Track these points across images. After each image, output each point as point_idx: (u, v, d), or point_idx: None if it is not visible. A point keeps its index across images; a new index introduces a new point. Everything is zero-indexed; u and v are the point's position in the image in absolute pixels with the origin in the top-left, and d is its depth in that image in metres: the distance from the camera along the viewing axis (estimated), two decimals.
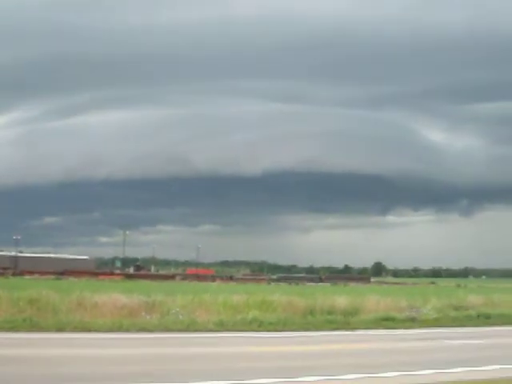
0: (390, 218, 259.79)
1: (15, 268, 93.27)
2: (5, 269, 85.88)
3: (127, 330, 19.63)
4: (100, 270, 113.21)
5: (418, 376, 12.58)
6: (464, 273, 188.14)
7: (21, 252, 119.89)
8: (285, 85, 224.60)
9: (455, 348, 18.53)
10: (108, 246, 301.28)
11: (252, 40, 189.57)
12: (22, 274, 79.70)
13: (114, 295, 24.16)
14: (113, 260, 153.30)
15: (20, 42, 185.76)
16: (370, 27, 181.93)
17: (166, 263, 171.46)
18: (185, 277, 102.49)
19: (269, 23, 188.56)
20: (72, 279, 70.61)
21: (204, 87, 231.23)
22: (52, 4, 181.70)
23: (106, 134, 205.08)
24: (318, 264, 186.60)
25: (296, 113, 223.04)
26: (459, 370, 13.50)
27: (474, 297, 33.34)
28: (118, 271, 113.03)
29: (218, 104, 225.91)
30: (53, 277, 74.59)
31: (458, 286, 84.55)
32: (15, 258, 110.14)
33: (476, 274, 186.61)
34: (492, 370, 13.71)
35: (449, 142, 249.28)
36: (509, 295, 37.66)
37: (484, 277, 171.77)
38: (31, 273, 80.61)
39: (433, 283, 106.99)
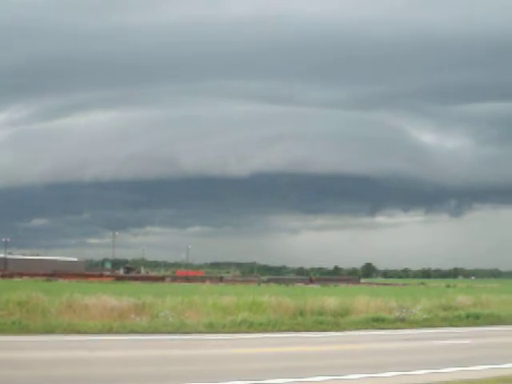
0: (380, 219, 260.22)
1: (4, 270, 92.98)
2: None
3: (117, 332, 19.59)
4: (90, 271, 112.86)
5: (413, 376, 12.61)
6: (453, 273, 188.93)
7: (10, 254, 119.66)
8: (273, 86, 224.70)
9: (446, 348, 18.57)
10: (97, 247, 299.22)
11: (241, 41, 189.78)
12: (11, 276, 79.44)
13: (103, 297, 24.09)
14: (102, 261, 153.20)
15: (6, 43, 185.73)
16: (358, 28, 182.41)
17: (156, 265, 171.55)
18: (174, 278, 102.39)
19: (258, 24, 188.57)
20: (61, 281, 70.50)
21: (192, 88, 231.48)
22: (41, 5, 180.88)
23: (94, 136, 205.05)
24: (307, 265, 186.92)
25: (285, 114, 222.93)
26: (452, 369, 13.56)
27: (463, 297, 33.40)
28: (107, 273, 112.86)
29: (206, 105, 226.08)
30: (42, 279, 74.44)
31: (448, 286, 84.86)
32: (4, 259, 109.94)
33: (465, 274, 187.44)
34: (482, 369, 13.77)
35: (437, 142, 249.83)
36: (497, 295, 37.79)
37: (473, 277, 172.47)
38: (20, 275, 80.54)
39: (422, 284, 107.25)
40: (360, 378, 12.16)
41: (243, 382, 11.44)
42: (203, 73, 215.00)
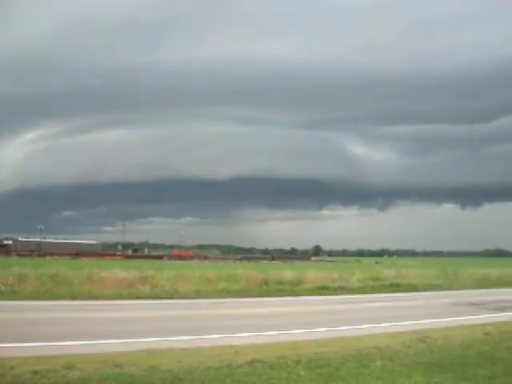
0: (326, 212, 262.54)
1: (39, 251, 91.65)
2: (31, 251, 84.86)
3: (126, 298, 19.44)
4: (105, 252, 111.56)
5: (338, 331, 12.66)
6: (381, 253, 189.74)
7: (44, 238, 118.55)
8: (247, 112, 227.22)
9: (373, 309, 18.70)
10: (111, 233, 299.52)
11: (222, 77, 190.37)
12: (44, 255, 78.21)
13: (115, 271, 23.93)
14: (115, 244, 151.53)
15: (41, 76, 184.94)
16: (314, 66, 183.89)
17: (156, 246, 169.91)
18: (170, 257, 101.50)
19: (232, 63, 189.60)
20: (83, 259, 69.56)
21: (185, 112, 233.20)
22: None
23: (108, 148, 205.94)
24: (271, 247, 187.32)
25: (256, 132, 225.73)
26: (384, 324, 13.66)
27: (388, 271, 33.65)
28: (119, 253, 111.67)
29: (194, 125, 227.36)
30: (68, 258, 73.49)
31: (376, 262, 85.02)
32: (39, 243, 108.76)
33: (390, 253, 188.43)
34: (407, 324, 13.93)
35: (369, 154, 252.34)
36: (413, 269, 38.13)
37: (395, 256, 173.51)
38: (52, 254, 79.39)
39: (358, 261, 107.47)
40: (302, 333, 12.16)
41: (222, 335, 11.42)
42: (193, 101, 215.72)
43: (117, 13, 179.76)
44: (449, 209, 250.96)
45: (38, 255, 79.12)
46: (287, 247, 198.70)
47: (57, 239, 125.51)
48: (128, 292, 20.53)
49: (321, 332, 12.31)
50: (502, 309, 18.52)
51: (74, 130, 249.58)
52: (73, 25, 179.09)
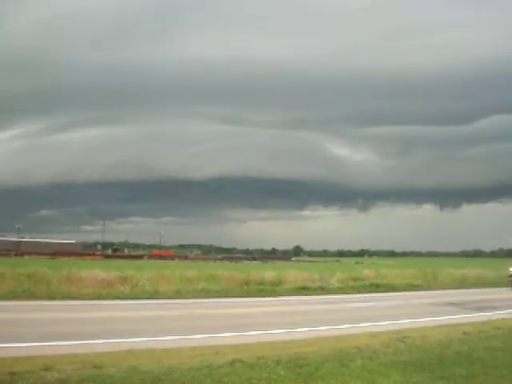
0: (306, 213, 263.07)
1: (17, 250, 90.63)
2: (9, 251, 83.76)
3: (105, 298, 19.31)
4: (84, 251, 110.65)
5: (317, 331, 12.71)
6: (361, 253, 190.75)
7: (22, 237, 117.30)
8: (225, 111, 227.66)
9: (353, 309, 18.81)
10: (91, 233, 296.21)
11: (201, 75, 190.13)
12: (22, 254, 77.42)
13: (95, 271, 23.81)
14: (95, 244, 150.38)
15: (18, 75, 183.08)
16: (297, 67, 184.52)
17: (136, 246, 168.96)
18: (150, 257, 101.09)
19: (215, 62, 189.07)
20: (62, 259, 68.98)
21: (167, 111, 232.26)
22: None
23: (86, 147, 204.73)
24: (252, 247, 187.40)
25: (235, 132, 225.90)
26: (364, 324, 13.73)
27: (367, 271, 33.92)
28: (98, 253, 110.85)
29: (174, 124, 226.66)
30: (47, 257, 72.81)
31: (356, 263, 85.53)
32: (17, 242, 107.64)
33: (370, 254, 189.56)
34: (386, 324, 14.04)
35: (350, 155, 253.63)
36: (393, 270, 38.45)
37: (375, 256, 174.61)
38: (30, 254, 78.62)
39: (338, 261, 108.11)
40: (282, 333, 12.18)
41: (202, 335, 11.40)
42: (172, 100, 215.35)
43: (99, 8, 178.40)
44: (428, 210, 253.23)
45: (16, 254, 78.33)
46: (268, 247, 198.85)
47: (35, 238, 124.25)
48: (107, 292, 20.40)
49: (301, 332, 12.35)
50: (481, 309, 18.74)
51: (53, 128, 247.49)
52: (49, 20, 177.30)
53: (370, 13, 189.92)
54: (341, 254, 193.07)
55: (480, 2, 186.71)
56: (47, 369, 7.31)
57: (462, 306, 19.77)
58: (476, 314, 16.91)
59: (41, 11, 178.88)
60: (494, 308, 18.74)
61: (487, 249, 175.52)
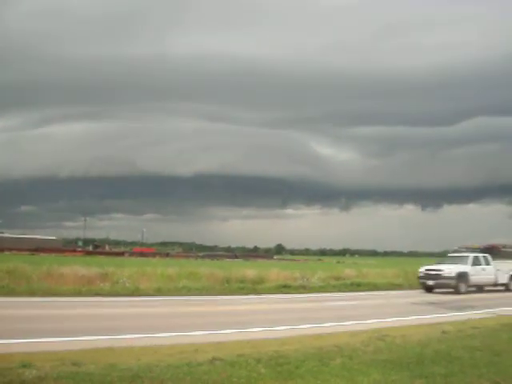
0: (289, 211, 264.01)
1: None
2: None
3: (85, 295, 19.20)
4: (65, 248, 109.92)
5: (300, 329, 12.73)
6: (343, 252, 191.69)
7: (1, 233, 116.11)
8: (210, 108, 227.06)
9: (334, 307, 18.90)
10: (72, 229, 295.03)
11: (188, 73, 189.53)
12: (2, 250, 76.60)
13: (75, 267, 23.64)
14: (75, 240, 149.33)
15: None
16: (281, 64, 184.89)
17: (118, 243, 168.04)
18: (132, 254, 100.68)
19: (201, 60, 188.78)
20: (43, 255, 68.43)
21: (151, 107, 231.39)
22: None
23: (69, 141, 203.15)
24: (234, 245, 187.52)
25: (219, 129, 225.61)
26: (344, 323, 13.78)
27: (349, 270, 34.06)
28: (79, 249, 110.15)
29: (160, 120, 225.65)
30: (27, 253, 72.19)
31: (338, 262, 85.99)
32: None
33: (351, 253, 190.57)
34: (367, 322, 14.06)
35: (333, 155, 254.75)
36: (374, 269, 38.70)
37: (357, 255, 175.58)
38: (10, 249, 77.91)
39: (319, 260, 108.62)
40: (263, 331, 12.20)
41: (182, 333, 11.37)
42: (156, 96, 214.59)
43: (82, 3, 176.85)
44: (410, 210, 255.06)
45: None
46: (250, 245, 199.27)
47: (15, 234, 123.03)
48: (88, 289, 20.29)
49: (282, 330, 12.36)
50: (460, 308, 18.95)
51: (34, 122, 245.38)
52: (32, 13, 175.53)
53: (357, 10, 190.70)
54: (323, 252, 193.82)
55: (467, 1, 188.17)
56: (25, 366, 7.23)
57: (442, 306, 19.96)
58: (456, 313, 17.07)
59: (25, 6, 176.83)
60: (473, 307, 18.94)
61: None
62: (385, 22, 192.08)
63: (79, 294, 19.34)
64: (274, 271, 29.46)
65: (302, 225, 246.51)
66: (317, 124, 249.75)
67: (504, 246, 30.35)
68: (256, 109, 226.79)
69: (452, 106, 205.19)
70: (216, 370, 7.56)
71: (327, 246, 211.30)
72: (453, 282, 25.96)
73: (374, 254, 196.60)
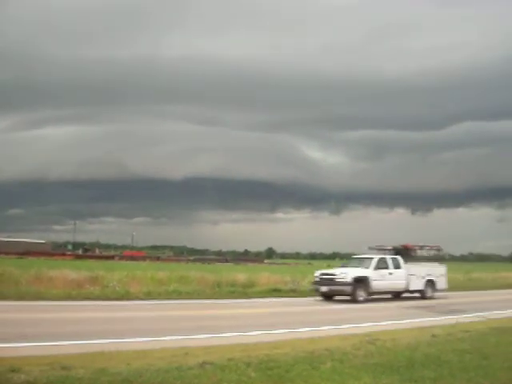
0: (279, 215, 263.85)
1: None
2: None
3: (75, 299, 19.12)
4: (55, 251, 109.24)
5: (295, 333, 12.74)
6: (333, 256, 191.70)
7: None
8: (201, 111, 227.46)
9: (325, 311, 18.91)
10: (61, 232, 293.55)
11: (177, 75, 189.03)
12: None
13: (65, 271, 23.61)
14: (65, 244, 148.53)
15: None
16: (271, 67, 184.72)
17: (108, 247, 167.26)
18: (122, 257, 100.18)
19: (189, 62, 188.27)
20: (31, 259, 67.98)
21: (140, 110, 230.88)
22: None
23: (59, 144, 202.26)
24: (224, 248, 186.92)
25: (209, 133, 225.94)
26: (336, 326, 13.79)
27: None
28: (69, 253, 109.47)
29: (150, 123, 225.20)
30: (16, 256, 71.73)
31: (328, 265, 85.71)
32: None
33: (341, 256, 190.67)
34: (358, 326, 14.00)
35: (322, 158, 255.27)
36: None
37: (346, 259, 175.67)
38: None
39: (310, 263, 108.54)
40: (255, 335, 12.18)
41: (172, 337, 11.35)
42: (145, 99, 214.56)
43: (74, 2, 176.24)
44: (400, 213, 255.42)
45: None
46: (240, 249, 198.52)
47: (4, 237, 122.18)
48: (77, 292, 20.21)
49: (273, 334, 12.36)
50: (450, 312, 19.03)
51: (23, 124, 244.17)
52: (20, 12, 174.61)
53: (350, 12, 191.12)
54: (313, 256, 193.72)
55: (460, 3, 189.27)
56: (14, 370, 7.19)
57: (432, 309, 20.05)
58: (445, 317, 17.13)
59: (17, 5, 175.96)
60: (463, 311, 19.02)
61: (457, 253, 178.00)
62: (376, 24, 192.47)
63: (69, 297, 19.25)
64: (265, 275, 29.49)
65: (292, 228, 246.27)
66: (307, 127, 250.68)
67: (421, 247, 27.83)
68: (246, 112, 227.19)
69: (441, 111, 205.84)
70: (206, 374, 7.55)
71: (317, 249, 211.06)
72: (348, 289, 22.58)
73: None
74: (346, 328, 13.78)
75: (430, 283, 26.34)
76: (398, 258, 25.25)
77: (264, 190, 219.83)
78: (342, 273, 23.27)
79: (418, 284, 25.70)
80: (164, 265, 61.42)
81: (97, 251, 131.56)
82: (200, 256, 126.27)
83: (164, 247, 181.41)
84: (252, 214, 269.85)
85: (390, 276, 24.19)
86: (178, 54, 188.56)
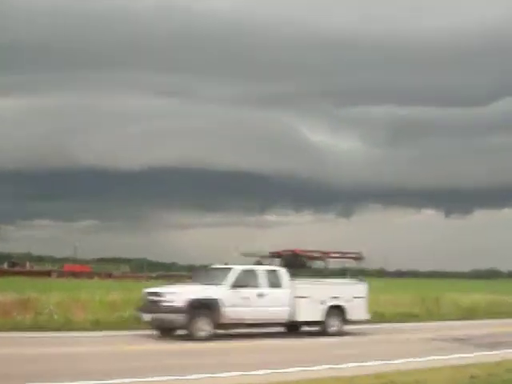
0: (271, 218, 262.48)
1: None
2: None
3: None
4: None
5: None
6: (342, 272, 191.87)
7: None
8: (171, 79, 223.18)
9: (329, 344, 18.98)
10: None
11: (145, 32, 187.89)
12: None
13: None
14: None
15: None
16: (267, 27, 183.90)
17: (42, 259, 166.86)
18: (61, 273, 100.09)
19: (165, 17, 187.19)
20: None
21: (85, 78, 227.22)
22: None
23: None
24: (197, 262, 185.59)
25: (181, 108, 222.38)
26: (343, 365, 13.84)
27: None
28: None
29: (100, 95, 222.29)
30: None
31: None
32: None
33: (352, 273, 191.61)
34: (370, 365, 14.05)
35: (330, 143, 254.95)
36: (382, 294, 38.80)
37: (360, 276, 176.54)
38: None
39: None
40: (222, 377, 12.25)
41: (117, 380, 11.34)
42: (97, 64, 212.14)
43: None
44: (429, 216, 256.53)
45: None
46: (219, 262, 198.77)
47: None
48: (2, 321, 20.11)
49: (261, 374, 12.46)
50: (494, 345, 19.11)
51: None
52: None
53: None
54: (318, 271, 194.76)
55: None
56: None
57: (470, 342, 20.16)
58: (487, 353, 17.25)
59: None
60: (510, 345, 19.12)
61: (505, 268, 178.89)
62: None
63: None
64: None
65: (289, 235, 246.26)
66: (309, 102, 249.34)
67: (324, 255, 25.19)
68: (230, 82, 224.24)
69: (483, 82, 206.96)
70: None
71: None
72: (180, 319, 18.72)
73: (381, 273, 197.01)
74: (353, 367, 13.84)
75: (337, 311, 22.21)
76: (280, 270, 21.90)
77: (252, 184, 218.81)
78: (170, 293, 19.86)
79: (313, 312, 21.47)
80: (118, 283, 61.32)
81: (27, 265, 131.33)
82: (165, 272, 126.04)
83: (117, 260, 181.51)
84: (235, 216, 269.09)
85: (260, 299, 20.33)
86: (154, 7, 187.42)
